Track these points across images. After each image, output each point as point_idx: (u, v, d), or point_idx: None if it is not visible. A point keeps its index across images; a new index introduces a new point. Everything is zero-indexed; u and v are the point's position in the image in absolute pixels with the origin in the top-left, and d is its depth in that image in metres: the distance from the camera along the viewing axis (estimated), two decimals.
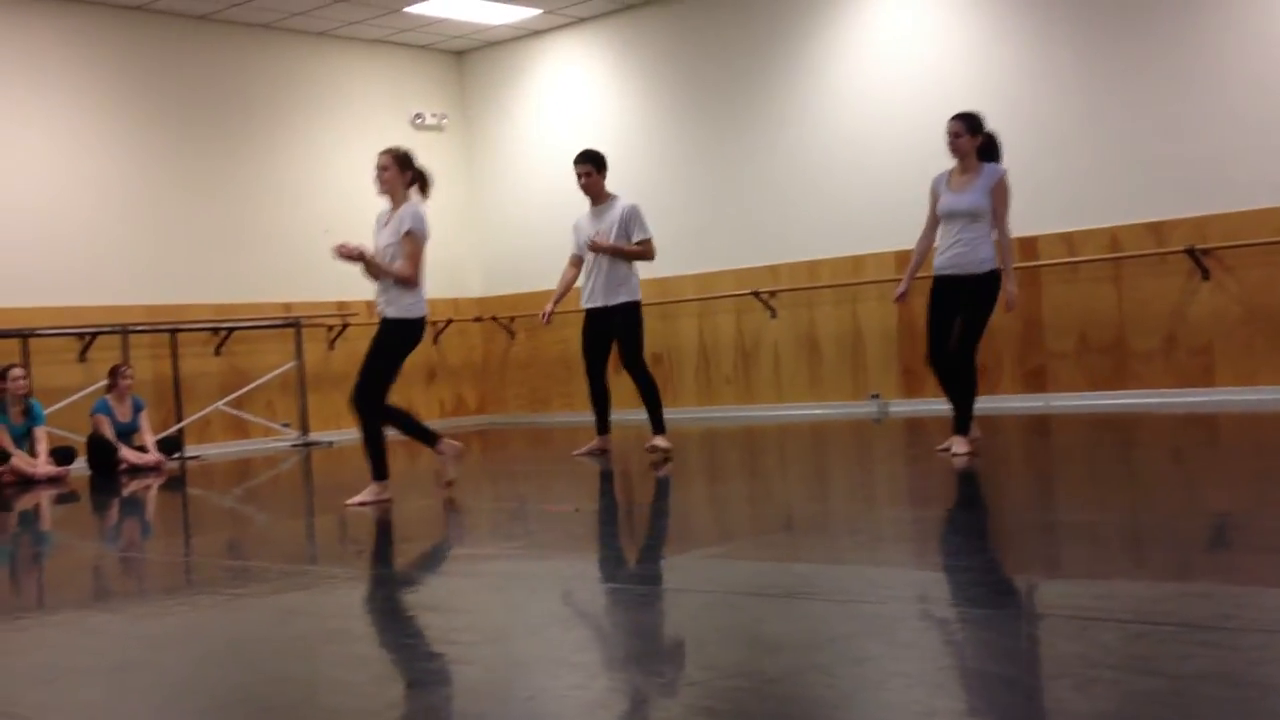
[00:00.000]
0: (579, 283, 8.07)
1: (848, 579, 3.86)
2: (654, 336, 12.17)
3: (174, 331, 10.77)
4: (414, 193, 6.22)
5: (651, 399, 7.77)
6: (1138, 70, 9.21)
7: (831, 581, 3.85)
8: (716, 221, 11.48)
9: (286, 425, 11.43)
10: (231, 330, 11.22)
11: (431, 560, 4.62)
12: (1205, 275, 8.88)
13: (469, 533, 5.54)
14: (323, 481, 8.49)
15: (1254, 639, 2.68)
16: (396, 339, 6.17)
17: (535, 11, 11.89)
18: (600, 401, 7.96)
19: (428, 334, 12.63)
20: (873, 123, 10.50)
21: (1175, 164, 9.05)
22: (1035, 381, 9.50)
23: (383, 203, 6.32)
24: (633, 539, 5.17)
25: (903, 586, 3.70)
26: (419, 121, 12.91)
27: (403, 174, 6.14)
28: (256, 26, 11.70)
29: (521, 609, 3.63)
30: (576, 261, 8.10)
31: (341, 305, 12.03)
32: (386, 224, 6.17)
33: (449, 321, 12.91)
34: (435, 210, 12.78)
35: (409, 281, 6.02)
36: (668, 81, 11.82)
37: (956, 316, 6.46)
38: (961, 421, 6.43)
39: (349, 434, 11.92)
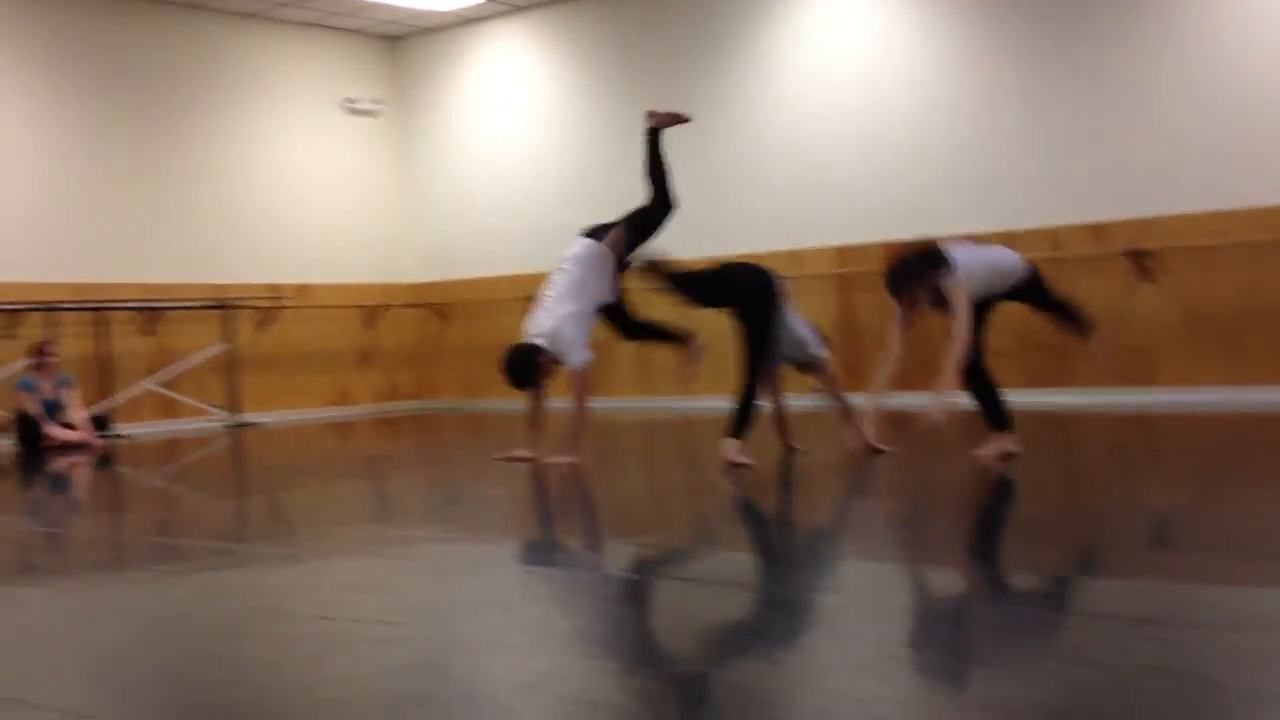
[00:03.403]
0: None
1: (786, 569, 3.85)
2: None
3: (103, 310, 10.56)
4: None
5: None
6: (1081, 70, 9.30)
7: (770, 571, 3.84)
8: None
9: (216, 406, 11.25)
10: (161, 310, 11.02)
11: (364, 541, 4.54)
12: (1146, 276, 8.98)
13: (403, 515, 5.47)
14: (254, 462, 8.35)
15: (1193, 634, 2.69)
16: None
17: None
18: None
19: (360, 317, 12.62)
20: (813, 120, 10.52)
21: (1117, 166, 9.16)
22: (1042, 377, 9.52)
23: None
24: (570, 525, 5.13)
25: (846, 576, 3.69)
26: (353, 106, 12.76)
27: None
28: (186, 6, 11.48)
29: (456, 591, 3.58)
30: None
31: (273, 288, 11.87)
32: None
33: (384, 306, 12.78)
34: (369, 195, 12.83)
35: None
36: (605, 72, 11.76)
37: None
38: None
39: (280, 415, 11.78)
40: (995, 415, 5.98)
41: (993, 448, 5.90)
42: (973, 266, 5.80)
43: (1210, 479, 5.44)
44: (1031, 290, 6.11)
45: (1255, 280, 8.63)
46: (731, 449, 6.05)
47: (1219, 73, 8.77)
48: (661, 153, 6.85)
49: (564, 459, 6.33)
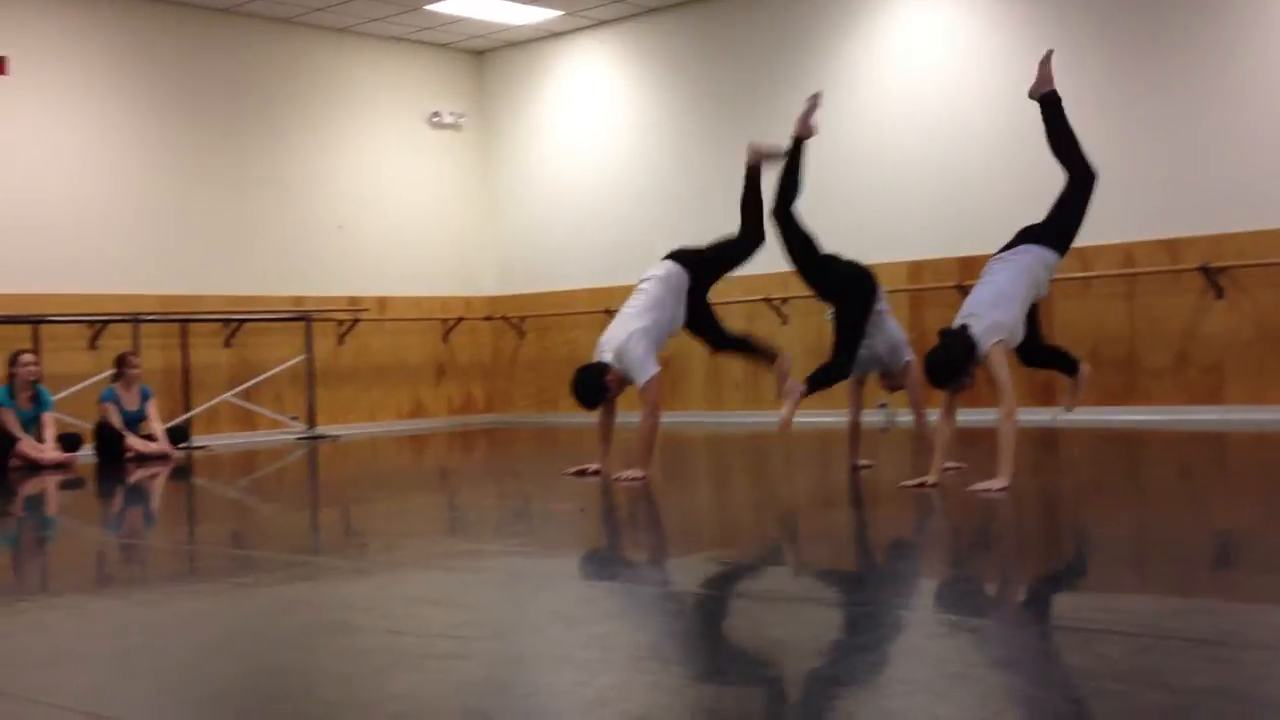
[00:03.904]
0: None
1: (852, 585, 3.85)
2: None
3: (185, 322, 10.78)
4: None
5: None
6: (1157, 88, 9.20)
7: (835, 587, 3.84)
8: (729, 227, 11.45)
9: (294, 418, 11.44)
10: (242, 322, 11.24)
11: (435, 555, 4.61)
12: (1219, 294, 8.85)
13: (473, 528, 5.53)
14: (328, 475, 8.49)
15: (1257, 656, 2.67)
16: None
17: (556, 13, 11.89)
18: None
19: (437, 330, 12.76)
20: (889, 132, 10.49)
21: (1191, 182, 9.04)
22: (1044, 395, 9.46)
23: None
24: (637, 539, 5.16)
25: (910, 594, 3.69)
26: (436, 120, 12.93)
27: None
28: (278, 21, 11.72)
29: (524, 606, 3.62)
30: None
31: (353, 300, 12.05)
32: None
33: (460, 319, 12.92)
34: (451, 208, 12.98)
35: None
36: (686, 86, 11.81)
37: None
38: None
39: (355, 428, 11.95)
40: (1066, 365, 6.11)
41: (1076, 390, 6.09)
42: (1002, 309, 5.63)
43: (1277, 498, 5.35)
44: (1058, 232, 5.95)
45: None
46: (793, 385, 6.21)
47: None
48: (759, 188, 6.87)
49: (632, 473, 6.37)
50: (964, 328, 5.59)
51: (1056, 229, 5.92)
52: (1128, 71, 9.36)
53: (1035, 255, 5.81)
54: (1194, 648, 2.75)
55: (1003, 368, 5.50)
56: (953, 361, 5.55)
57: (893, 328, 6.50)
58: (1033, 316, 5.87)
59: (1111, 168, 9.45)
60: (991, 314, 5.59)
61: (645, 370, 6.40)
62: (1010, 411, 5.45)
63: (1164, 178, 9.14)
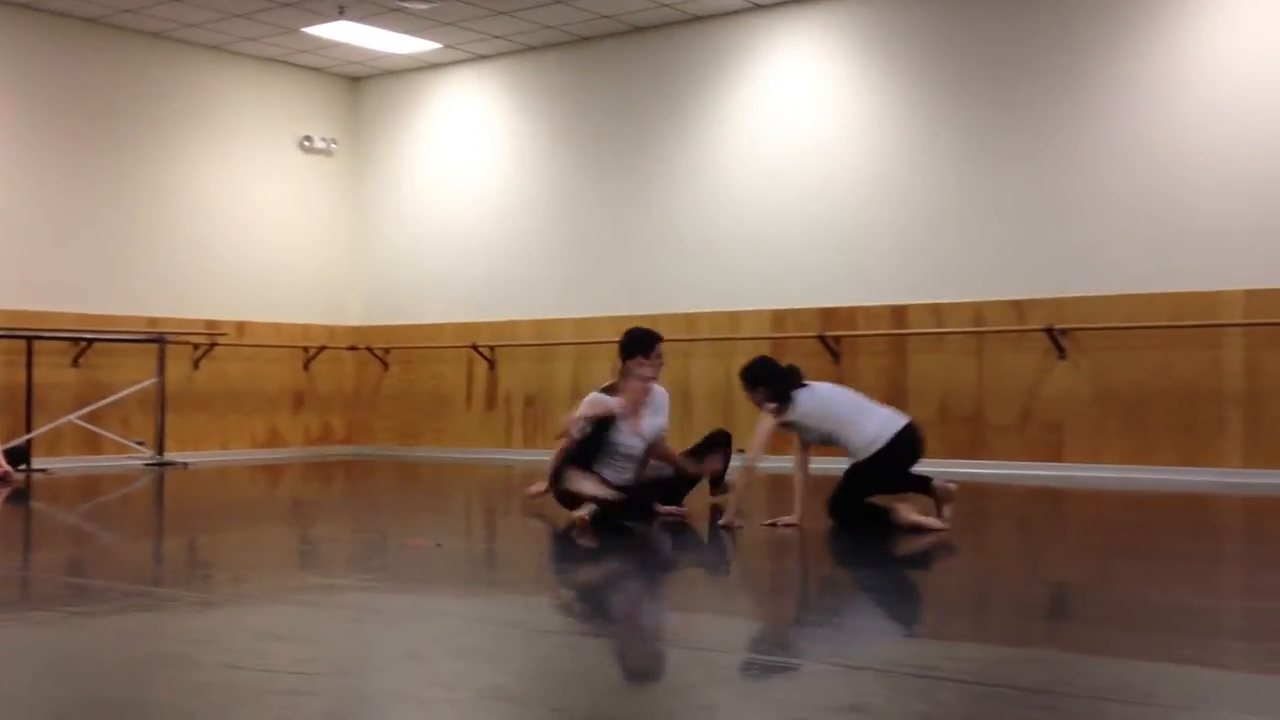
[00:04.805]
0: None
1: (701, 627, 3.87)
2: (529, 377, 12.17)
3: (31, 338, 10.40)
4: None
5: None
6: (1013, 156, 9.57)
7: (687, 628, 3.85)
8: (600, 268, 11.54)
9: (141, 443, 11.09)
10: (92, 341, 10.89)
11: (284, 588, 4.51)
12: (1061, 354, 9.20)
13: (325, 562, 5.43)
14: (175, 503, 8.25)
15: (1083, 705, 2.77)
16: None
17: (435, 45, 11.84)
18: None
19: (298, 358, 12.53)
20: (757, 186, 10.67)
21: (1040, 245, 9.42)
22: (971, 449, 9.66)
23: None
24: (493, 576, 5.12)
25: (753, 637, 3.72)
26: (307, 144, 12.74)
27: None
28: (146, 34, 11.44)
29: (373, 642, 3.56)
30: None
31: (210, 324, 11.76)
32: None
33: (322, 348, 12.71)
34: (318, 234, 12.78)
35: None
36: (562, 126, 11.86)
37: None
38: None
39: (206, 455, 11.64)
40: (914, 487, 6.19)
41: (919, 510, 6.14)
42: (820, 412, 6.07)
43: (1109, 554, 5.55)
44: (894, 460, 6.06)
45: (1162, 363, 8.88)
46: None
47: (1135, 170, 9.11)
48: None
49: (535, 489, 6.87)
50: (803, 385, 6.10)
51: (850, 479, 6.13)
52: (986, 139, 9.70)
53: (882, 421, 6.06)
54: (1026, 696, 2.83)
55: (762, 431, 6.03)
56: (759, 372, 6.19)
57: (616, 453, 6.59)
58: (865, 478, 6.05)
59: (968, 228, 9.85)
60: (816, 407, 6.05)
61: (576, 421, 6.50)
62: (749, 467, 6.11)
63: (1015, 240, 9.50)
